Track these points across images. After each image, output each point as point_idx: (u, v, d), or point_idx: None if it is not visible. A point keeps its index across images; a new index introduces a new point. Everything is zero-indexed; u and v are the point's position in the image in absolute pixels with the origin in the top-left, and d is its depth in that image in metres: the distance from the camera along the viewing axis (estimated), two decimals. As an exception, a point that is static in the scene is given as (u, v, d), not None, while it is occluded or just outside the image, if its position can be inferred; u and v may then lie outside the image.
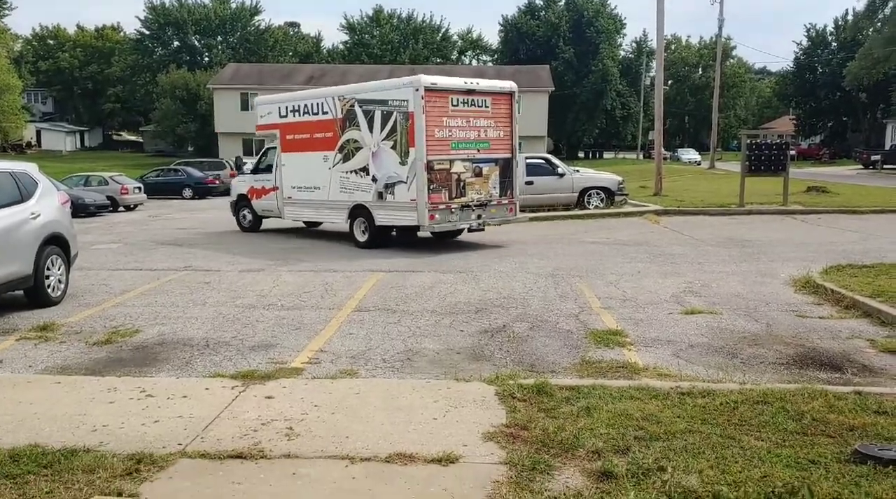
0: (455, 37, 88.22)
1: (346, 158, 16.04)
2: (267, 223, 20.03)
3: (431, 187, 14.52)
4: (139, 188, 29.64)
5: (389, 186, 15.14)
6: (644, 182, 32.72)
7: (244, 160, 23.38)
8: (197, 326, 8.98)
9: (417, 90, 14.29)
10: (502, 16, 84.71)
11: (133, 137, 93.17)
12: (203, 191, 34.30)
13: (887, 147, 60.75)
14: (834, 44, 75.56)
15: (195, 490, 4.47)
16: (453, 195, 14.90)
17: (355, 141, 15.78)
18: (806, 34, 78.07)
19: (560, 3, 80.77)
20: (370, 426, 5.41)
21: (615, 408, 5.60)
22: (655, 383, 6.29)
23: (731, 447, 4.90)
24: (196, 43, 79.41)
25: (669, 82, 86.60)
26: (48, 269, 10.27)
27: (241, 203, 20.00)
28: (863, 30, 58.18)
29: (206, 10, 78.60)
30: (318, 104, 16.71)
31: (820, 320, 9.04)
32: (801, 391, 5.92)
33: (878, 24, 52.78)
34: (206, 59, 78.30)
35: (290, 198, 17.84)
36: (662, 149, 31.90)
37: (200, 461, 4.86)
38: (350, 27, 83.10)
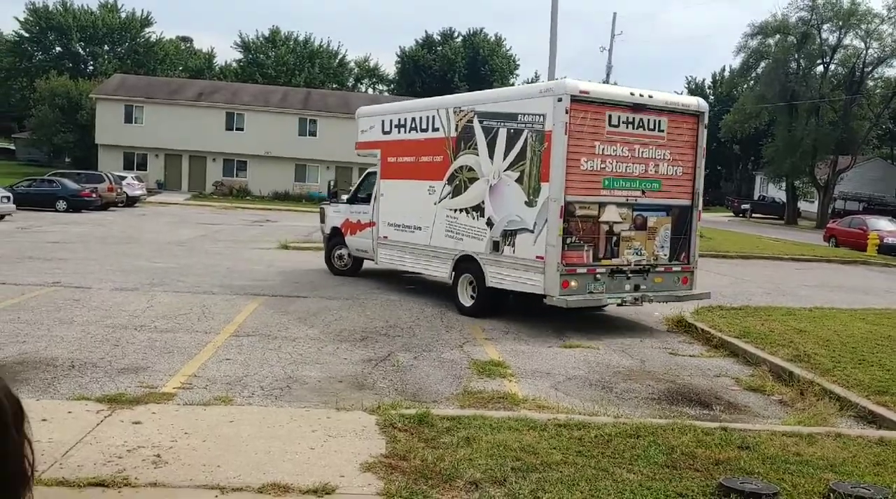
0: (352, 63, 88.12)
1: (455, 192, 12.07)
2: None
3: (569, 241, 10.39)
4: (7, 198, 27.92)
5: (509, 235, 11.03)
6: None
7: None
8: (63, 345, 8.48)
9: (560, 100, 10.16)
10: (400, 47, 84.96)
11: (4, 144, 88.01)
12: (79, 204, 32.65)
13: (756, 197, 65.04)
14: (711, 97, 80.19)
15: (48, 521, 4.18)
16: (600, 254, 10.73)
17: (470, 169, 11.76)
18: (686, 86, 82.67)
19: (457, 40, 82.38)
20: (243, 455, 5.23)
21: (494, 439, 5.64)
22: (534, 415, 6.37)
23: (605, 479, 5.00)
24: (80, 50, 76.06)
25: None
26: None
27: (335, 239, 15.83)
28: (737, 86, 62.02)
29: (94, 17, 75.43)
30: (427, 118, 12.74)
31: (690, 358, 9.45)
32: (672, 426, 6.13)
33: (752, 81, 56.37)
34: (91, 67, 74.99)
35: (385, 238, 13.85)
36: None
37: (57, 489, 4.55)
38: (245, 46, 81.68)
